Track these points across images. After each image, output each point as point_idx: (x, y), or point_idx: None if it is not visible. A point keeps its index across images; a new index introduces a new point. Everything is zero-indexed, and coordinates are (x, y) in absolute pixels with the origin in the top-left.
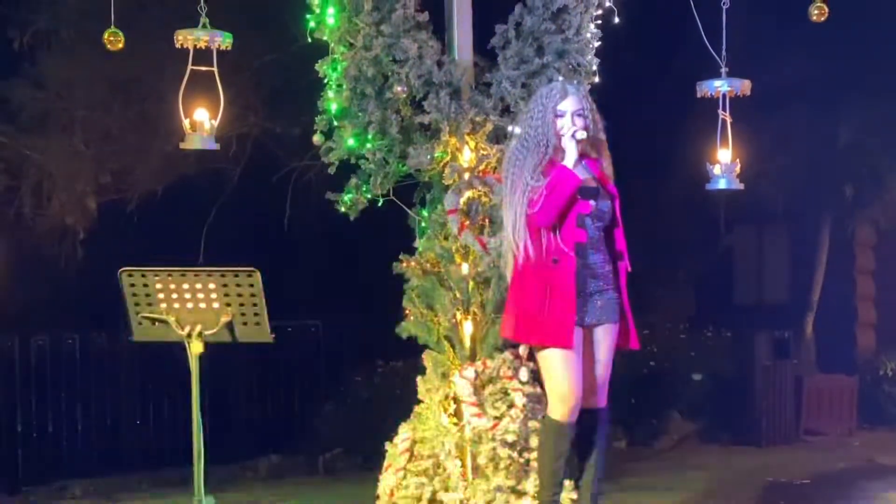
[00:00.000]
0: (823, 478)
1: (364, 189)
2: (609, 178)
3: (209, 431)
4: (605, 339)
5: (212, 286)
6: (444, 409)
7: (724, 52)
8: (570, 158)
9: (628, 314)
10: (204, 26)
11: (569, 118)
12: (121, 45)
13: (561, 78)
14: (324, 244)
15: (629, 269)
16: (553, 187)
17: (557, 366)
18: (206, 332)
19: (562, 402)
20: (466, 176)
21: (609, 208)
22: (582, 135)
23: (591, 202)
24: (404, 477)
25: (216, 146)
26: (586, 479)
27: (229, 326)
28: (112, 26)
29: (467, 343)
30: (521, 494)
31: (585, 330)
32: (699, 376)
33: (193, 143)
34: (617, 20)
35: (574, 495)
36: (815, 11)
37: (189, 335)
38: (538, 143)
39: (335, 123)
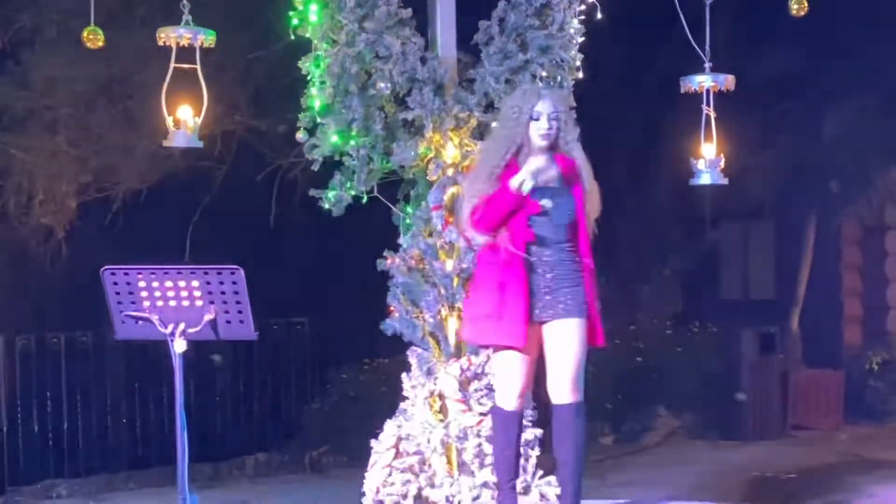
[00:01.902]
0: (810, 472)
1: (348, 186)
2: (579, 177)
3: (195, 430)
4: (565, 334)
5: (195, 284)
6: (429, 405)
7: (707, 48)
8: (517, 177)
9: (592, 311)
10: (187, 24)
11: (544, 121)
12: (100, 44)
13: (538, 79)
14: (309, 241)
15: (592, 266)
16: (489, 201)
17: (506, 361)
18: (190, 330)
19: (508, 393)
20: (450, 172)
21: (571, 208)
22: (542, 143)
23: (543, 202)
24: (390, 474)
25: (200, 144)
26: (564, 474)
27: (213, 324)
28: (92, 24)
29: (452, 339)
30: None
31: (540, 325)
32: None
33: (177, 140)
34: (600, 16)
35: (559, 490)
36: (795, 6)
37: (172, 333)
38: (508, 143)
39: (319, 120)
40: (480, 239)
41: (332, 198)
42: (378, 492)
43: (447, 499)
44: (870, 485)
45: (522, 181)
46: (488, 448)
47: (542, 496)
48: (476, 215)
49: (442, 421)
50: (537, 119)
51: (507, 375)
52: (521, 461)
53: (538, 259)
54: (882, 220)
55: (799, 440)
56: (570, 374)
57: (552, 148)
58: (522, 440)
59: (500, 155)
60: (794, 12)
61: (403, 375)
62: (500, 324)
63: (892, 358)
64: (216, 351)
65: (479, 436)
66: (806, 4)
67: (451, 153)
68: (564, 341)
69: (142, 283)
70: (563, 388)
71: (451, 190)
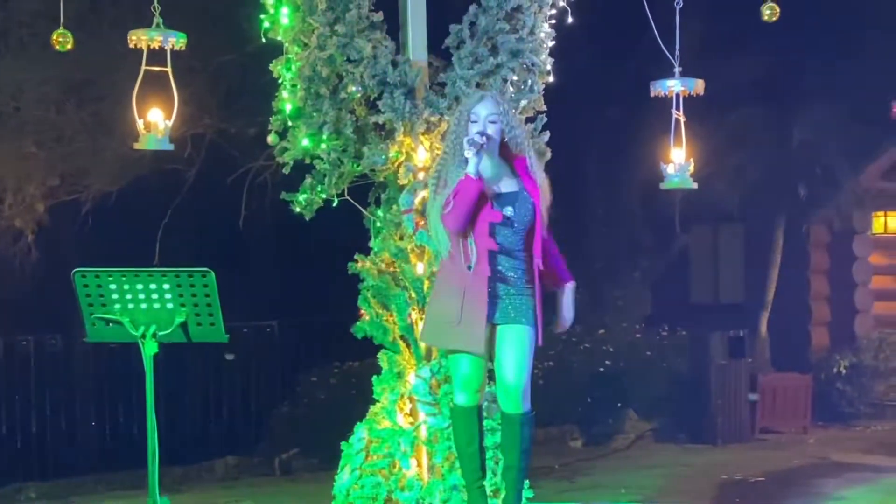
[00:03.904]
0: (778, 475)
1: (319, 189)
2: (535, 179)
3: (165, 433)
4: (512, 339)
5: (166, 286)
6: (399, 408)
7: (677, 52)
8: (471, 166)
9: (539, 315)
10: (158, 26)
11: (481, 123)
12: (70, 46)
13: (508, 83)
14: (279, 245)
15: (541, 266)
16: (457, 192)
17: (463, 363)
18: (161, 333)
19: (462, 389)
20: (421, 176)
21: (530, 213)
22: (468, 152)
23: (505, 211)
24: (360, 477)
25: (170, 147)
26: (510, 478)
27: (184, 327)
28: (61, 27)
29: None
30: None
31: (492, 327)
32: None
33: (147, 143)
34: (570, 20)
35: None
36: (767, 11)
37: (143, 336)
38: (455, 147)
39: (290, 123)
40: (446, 242)
41: (303, 201)
42: (348, 495)
43: (417, 502)
44: (838, 487)
45: (470, 151)
46: None
47: None
48: (447, 209)
49: (412, 424)
50: (475, 121)
51: (463, 376)
52: (492, 464)
53: (498, 266)
54: (850, 224)
55: (767, 443)
56: (516, 382)
57: (504, 152)
58: (492, 444)
59: (455, 158)
60: (766, 18)
61: (374, 378)
62: (459, 329)
63: (859, 361)
64: (189, 353)
65: (449, 438)
66: (778, 11)
67: (421, 157)
68: (511, 347)
69: (113, 286)
70: (510, 397)
71: (422, 193)
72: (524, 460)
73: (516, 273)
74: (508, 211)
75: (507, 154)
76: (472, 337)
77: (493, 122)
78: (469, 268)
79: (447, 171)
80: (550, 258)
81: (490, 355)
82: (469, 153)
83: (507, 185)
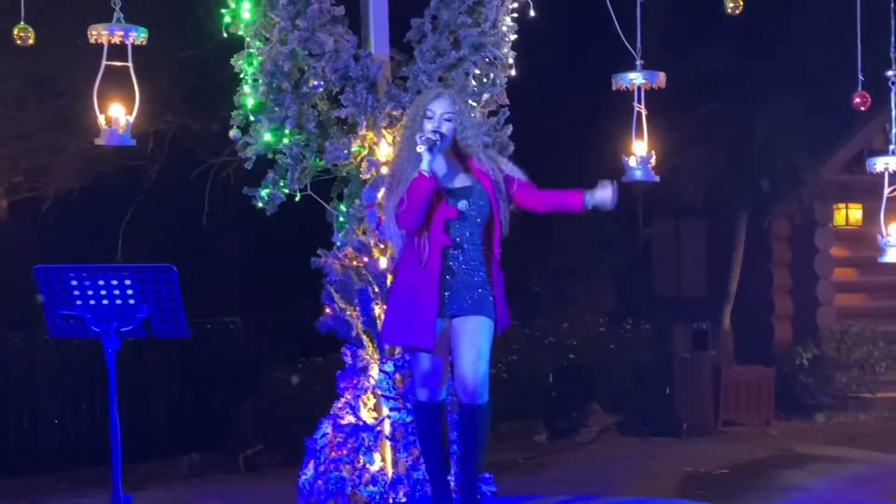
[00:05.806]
0: (742, 467)
1: (281, 184)
2: (488, 175)
3: (129, 430)
4: (468, 331)
5: (128, 282)
6: (363, 403)
7: (639, 45)
8: (424, 163)
9: (497, 305)
10: (118, 21)
11: (436, 120)
12: (31, 42)
13: (470, 76)
14: (242, 240)
15: (498, 258)
16: (410, 191)
17: (418, 359)
18: (123, 329)
19: (423, 386)
20: (384, 170)
21: (486, 208)
22: (420, 147)
23: (459, 206)
24: (324, 472)
25: (132, 142)
26: (464, 469)
27: (146, 323)
28: (22, 22)
29: None
30: None
31: (449, 320)
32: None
33: (109, 139)
34: (533, 13)
35: (494, 488)
36: (731, 4)
37: (106, 332)
38: (411, 143)
39: (252, 118)
40: (398, 240)
41: (266, 196)
42: (312, 490)
43: (382, 496)
44: (800, 479)
45: (423, 146)
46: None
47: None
48: (400, 208)
49: (376, 419)
50: (430, 118)
51: (423, 372)
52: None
53: (451, 261)
54: (812, 217)
55: (731, 436)
56: (473, 374)
57: (458, 151)
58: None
59: (406, 156)
60: (729, 11)
61: (337, 373)
62: (409, 325)
63: (821, 354)
64: (152, 349)
65: (413, 433)
66: (741, 3)
67: (384, 151)
68: (468, 338)
69: (74, 282)
70: (467, 389)
71: (385, 188)
72: (480, 451)
73: (471, 266)
74: (462, 205)
75: (459, 152)
76: (423, 333)
77: (449, 121)
78: (422, 264)
79: (401, 167)
80: (545, 194)
81: (449, 350)
82: (421, 148)
83: (461, 181)
